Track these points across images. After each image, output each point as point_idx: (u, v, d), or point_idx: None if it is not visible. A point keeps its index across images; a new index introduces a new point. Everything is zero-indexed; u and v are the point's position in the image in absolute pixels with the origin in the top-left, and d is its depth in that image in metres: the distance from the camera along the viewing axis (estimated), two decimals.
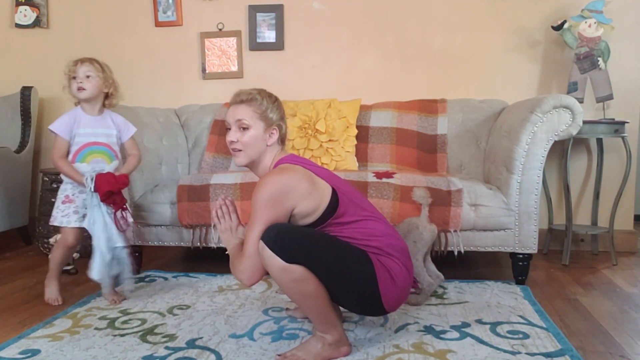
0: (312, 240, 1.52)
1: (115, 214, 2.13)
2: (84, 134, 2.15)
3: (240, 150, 1.67)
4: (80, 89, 2.13)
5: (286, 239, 1.48)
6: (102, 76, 2.16)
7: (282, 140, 1.74)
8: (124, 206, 2.16)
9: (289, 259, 1.47)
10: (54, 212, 2.18)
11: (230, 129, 1.68)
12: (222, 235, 1.75)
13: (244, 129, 1.65)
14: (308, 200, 1.56)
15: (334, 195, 1.59)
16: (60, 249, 2.21)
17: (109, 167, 2.17)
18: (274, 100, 1.72)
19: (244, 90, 1.70)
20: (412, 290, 2.08)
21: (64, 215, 2.16)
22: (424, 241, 2.10)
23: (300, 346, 1.64)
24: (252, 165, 1.72)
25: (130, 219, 2.21)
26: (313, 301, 1.54)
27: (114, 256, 2.12)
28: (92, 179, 2.07)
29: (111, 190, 2.08)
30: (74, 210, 2.16)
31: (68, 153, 2.16)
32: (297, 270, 1.48)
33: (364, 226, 1.62)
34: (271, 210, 1.53)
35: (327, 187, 1.60)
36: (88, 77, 2.13)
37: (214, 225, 2.47)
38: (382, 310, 1.63)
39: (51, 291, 2.23)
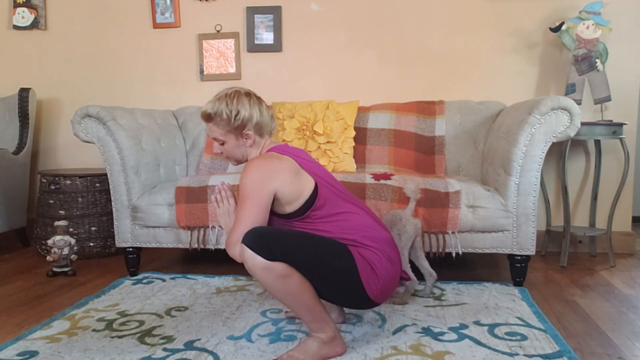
0: (291, 238, 1.55)
1: None
2: None
3: (228, 157, 1.80)
4: None
5: (265, 238, 1.51)
6: None
7: (262, 132, 1.77)
8: None
9: (269, 257, 1.49)
10: None
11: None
12: (220, 218, 1.79)
13: (221, 143, 1.77)
14: (290, 187, 1.61)
15: (316, 188, 1.64)
16: None
17: None
18: (235, 104, 1.70)
19: (205, 108, 1.74)
20: (402, 283, 2.05)
21: None
22: (408, 234, 2.12)
23: (297, 347, 1.64)
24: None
25: None
26: (300, 297, 1.56)
27: None
28: None
29: None
30: None
31: None
32: (279, 266, 1.50)
33: (341, 219, 1.65)
34: (257, 192, 1.59)
35: (310, 180, 1.65)
36: None
37: (212, 227, 2.48)
38: (370, 302, 1.64)
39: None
